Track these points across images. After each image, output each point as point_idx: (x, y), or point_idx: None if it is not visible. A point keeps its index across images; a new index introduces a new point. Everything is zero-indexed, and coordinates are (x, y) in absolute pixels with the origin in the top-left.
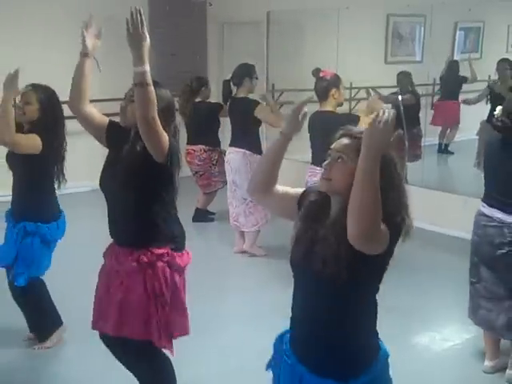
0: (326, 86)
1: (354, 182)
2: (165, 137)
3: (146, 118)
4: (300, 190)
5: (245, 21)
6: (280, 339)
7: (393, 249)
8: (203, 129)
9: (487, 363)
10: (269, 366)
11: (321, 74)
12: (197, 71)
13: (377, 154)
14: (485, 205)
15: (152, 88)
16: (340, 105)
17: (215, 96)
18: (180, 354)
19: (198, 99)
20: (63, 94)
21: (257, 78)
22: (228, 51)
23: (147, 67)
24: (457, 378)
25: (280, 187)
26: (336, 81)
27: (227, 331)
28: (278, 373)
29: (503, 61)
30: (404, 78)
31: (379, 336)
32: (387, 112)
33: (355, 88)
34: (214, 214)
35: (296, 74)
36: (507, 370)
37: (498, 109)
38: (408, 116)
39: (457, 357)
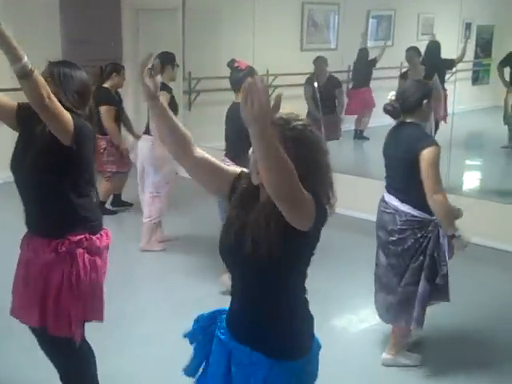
0: (241, 77)
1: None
2: (67, 119)
3: (40, 105)
4: (237, 170)
5: (160, 7)
6: (210, 317)
7: (319, 231)
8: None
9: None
10: (188, 335)
11: (235, 65)
12: (111, 59)
13: (261, 130)
14: (386, 191)
15: (36, 73)
16: None
17: (133, 84)
18: (101, 344)
19: (106, 85)
20: None
21: (178, 66)
22: (144, 38)
23: (25, 58)
24: (375, 358)
25: (205, 154)
26: (251, 72)
27: (146, 322)
28: (205, 349)
29: (410, 49)
30: (322, 64)
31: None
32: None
33: (272, 75)
34: (131, 204)
35: (213, 62)
36: (383, 354)
37: (392, 94)
38: (328, 100)
39: (374, 337)
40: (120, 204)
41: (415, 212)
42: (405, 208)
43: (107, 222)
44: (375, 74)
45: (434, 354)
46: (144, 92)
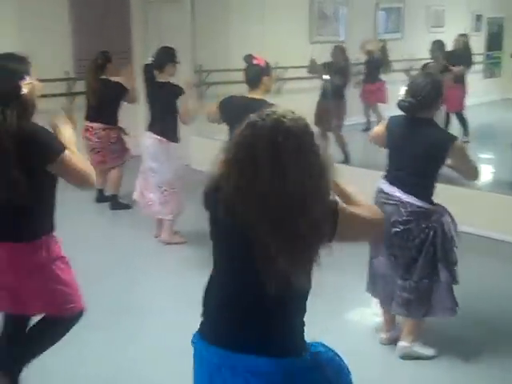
0: (258, 73)
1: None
2: None
3: None
4: None
5: None
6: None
7: None
8: (103, 107)
9: (383, 335)
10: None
11: (254, 62)
12: (120, 50)
13: None
14: (385, 182)
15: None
16: (267, 92)
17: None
18: (117, 335)
19: (103, 76)
20: None
21: (178, 63)
22: (153, 29)
23: None
24: (389, 351)
25: None
26: (268, 68)
27: (162, 313)
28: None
29: (436, 43)
30: (340, 54)
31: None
32: None
33: (281, 68)
34: (128, 205)
35: (223, 54)
36: (399, 342)
37: (404, 89)
38: (336, 89)
39: None
40: (104, 199)
41: (419, 203)
42: (409, 199)
43: (121, 215)
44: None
45: (447, 346)
46: None
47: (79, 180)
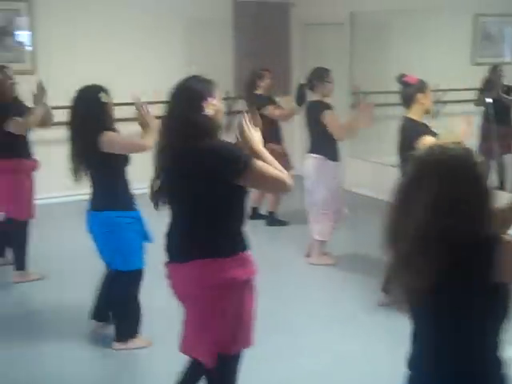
0: (411, 91)
1: None
2: None
3: None
4: None
5: (328, 22)
6: None
7: None
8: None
9: None
10: None
11: (405, 79)
12: (280, 72)
13: None
14: None
15: None
16: (427, 111)
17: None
18: (263, 351)
19: (256, 91)
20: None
21: (329, 82)
22: (311, 52)
23: None
24: None
25: None
26: (421, 86)
27: (308, 332)
28: None
29: None
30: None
31: None
32: None
33: (441, 90)
34: (285, 222)
35: (380, 76)
36: None
37: None
38: (501, 113)
39: None
40: (258, 217)
41: None
42: None
43: (275, 233)
44: None
45: None
46: None
47: (274, 186)
